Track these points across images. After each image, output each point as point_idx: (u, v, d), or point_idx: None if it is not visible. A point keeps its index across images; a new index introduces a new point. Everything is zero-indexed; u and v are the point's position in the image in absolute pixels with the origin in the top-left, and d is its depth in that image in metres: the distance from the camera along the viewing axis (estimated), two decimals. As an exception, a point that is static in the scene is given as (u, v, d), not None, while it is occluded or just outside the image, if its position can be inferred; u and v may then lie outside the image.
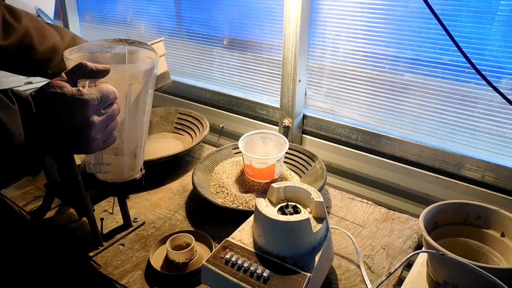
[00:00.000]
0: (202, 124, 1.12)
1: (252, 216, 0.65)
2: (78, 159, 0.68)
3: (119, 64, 0.66)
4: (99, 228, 0.76)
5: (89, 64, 0.51)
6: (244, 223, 0.67)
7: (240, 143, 0.91)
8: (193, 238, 0.71)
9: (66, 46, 0.82)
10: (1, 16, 0.76)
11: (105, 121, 0.52)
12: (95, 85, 0.52)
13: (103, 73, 0.52)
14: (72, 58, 0.60)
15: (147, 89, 0.63)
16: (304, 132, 1.12)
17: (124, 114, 0.61)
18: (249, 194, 0.87)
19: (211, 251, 0.73)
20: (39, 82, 1.33)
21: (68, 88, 0.48)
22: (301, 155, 0.98)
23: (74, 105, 0.48)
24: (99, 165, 0.63)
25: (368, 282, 0.66)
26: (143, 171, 0.73)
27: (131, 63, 0.66)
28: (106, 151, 0.63)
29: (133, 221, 0.82)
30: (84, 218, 0.75)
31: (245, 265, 0.57)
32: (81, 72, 0.51)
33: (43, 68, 0.83)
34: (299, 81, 1.04)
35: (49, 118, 0.47)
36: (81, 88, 0.49)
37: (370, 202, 0.90)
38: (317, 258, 0.58)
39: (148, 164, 0.93)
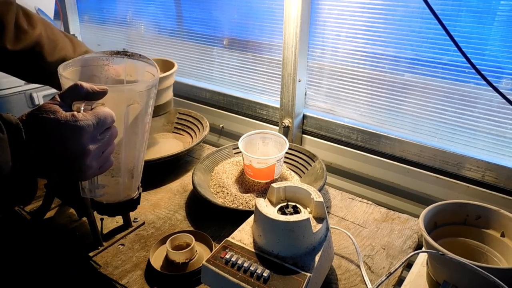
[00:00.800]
0: (202, 124, 1.12)
1: (252, 216, 0.65)
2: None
3: (117, 79, 0.63)
4: (99, 228, 0.76)
5: (85, 85, 0.47)
6: (244, 223, 0.67)
7: (240, 143, 0.91)
8: (193, 238, 0.71)
9: None
10: (13, 19, 0.73)
11: (101, 147, 0.49)
12: (91, 108, 0.48)
13: (100, 94, 0.48)
14: (65, 74, 0.56)
15: (146, 109, 0.59)
16: (304, 132, 1.12)
17: (121, 135, 0.57)
18: (249, 194, 0.87)
19: (211, 251, 0.73)
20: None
21: (62, 113, 0.44)
22: (301, 155, 0.98)
23: (68, 133, 0.44)
24: (95, 189, 0.59)
25: (368, 282, 0.66)
26: (140, 190, 0.71)
27: (130, 76, 0.63)
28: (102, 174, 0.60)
29: (133, 221, 0.82)
30: (84, 218, 0.75)
31: (245, 265, 0.57)
32: (76, 94, 0.47)
33: (51, 78, 0.80)
34: (299, 81, 1.04)
35: (40, 146, 0.44)
36: (75, 113, 0.45)
37: (370, 202, 0.90)
38: (317, 258, 0.58)
39: (148, 164, 0.93)
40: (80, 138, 0.45)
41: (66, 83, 0.50)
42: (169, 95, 1.02)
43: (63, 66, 0.57)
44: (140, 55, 0.62)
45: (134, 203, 0.70)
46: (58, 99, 0.46)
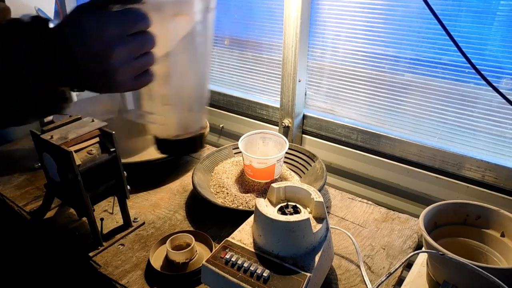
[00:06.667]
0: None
1: (252, 216, 0.65)
2: (79, 159, 0.68)
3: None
4: (99, 228, 0.76)
5: None
6: (244, 223, 0.67)
7: (240, 143, 0.91)
8: (193, 238, 0.71)
9: None
10: None
11: (131, 50, 0.42)
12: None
13: None
14: None
15: (203, 28, 0.51)
16: (304, 132, 1.12)
17: (167, 49, 0.49)
18: (249, 194, 0.87)
19: (211, 251, 0.73)
20: None
21: (90, 6, 0.41)
22: (301, 155, 0.98)
23: (89, 23, 0.40)
24: (140, 112, 0.52)
25: (368, 282, 0.66)
26: (204, 131, 0.59)
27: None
28: (147, 96, 0.52)
29: (133, 221, 0.82)
30: (84, 218, 0.75)
31: (245, 265, 0.57)
32: None
33: None
34: (299, 81, 1.04)
35: (71, 43, 0.40)
36: (109, 9, 0.41)
37: (370, 202, 0.90)
38: (317, 258, 0.58)
39: (148, 164, 0.93)
40: (103, 31, 0.40)
41: None
42: None
43: None
44: None
45: (194, 143, 0.57)
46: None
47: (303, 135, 1.12)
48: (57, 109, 0.43)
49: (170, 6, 0.46)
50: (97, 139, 0.73)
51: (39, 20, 0.40)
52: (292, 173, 0.96)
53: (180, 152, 0.60)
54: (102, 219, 0.81)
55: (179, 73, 0.51)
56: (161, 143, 0.56)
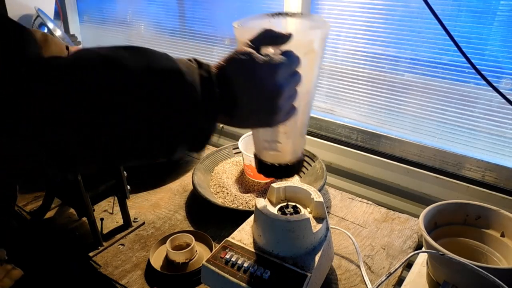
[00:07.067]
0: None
1: (252, 216, 0.65)
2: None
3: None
4: (99, 228, 0.76)
5: (275, 29, 0.47)
6: (244, 223, 0.67)
7: (240, 143, 0.91)
8: (193, 238, 0.71)
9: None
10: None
11: (290, 90, 0.47)
12: (280, 52, 0.47)
13: (285, 38, 0.48)
14: (244, 28, 0.54)
15: (320, 58, 0.56)
16: (304, 132, 1.12)
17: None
18: (249, 194, 0.87)
19: (211, 251, 0.73)
20: None
21: (257, 54, 0.45)
22: (301, 155, 0.98)
23: (265, 71, 0.44)
24: (275, 143, 0.55)
25: (368, 282, 0.66)
26: (303, 156, 0.62)
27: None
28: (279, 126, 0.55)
29: (133, 221, 0.82)
30: (84, 218, 0.75)
31: (245, 265, 0.57)
32: (266, 38, 0.47)
33: None
34: (299, 81, 1.04)
35: (237, 86, 0.44)
36: (271, 55, 0.45)
37: (370, 202, 0.90)
38: (317, 258, 0.58)
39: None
40: (276, 76, 0.45)
41: (243, 34, 0.50)
42: None
43: (236, 23, 0.55)
44: (301, 13, 0.58)
45: (299, 166, 0.60)
46: (250, 43, 0.47)
47: (303, 135, 1.12)
48: (204, 140, 0.45)
49: (304, 44, 0.51)
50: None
51: (205, 64, 0.44)
52: (292, 173, 0.96)
53: (285, 176, 0.61)
54: (102, 219, 0.81)
55: (303, 103, 0.54)
56: (270, 169, 0.57)
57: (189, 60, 0.43)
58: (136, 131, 0.38)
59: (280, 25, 0.58)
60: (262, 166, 0.58)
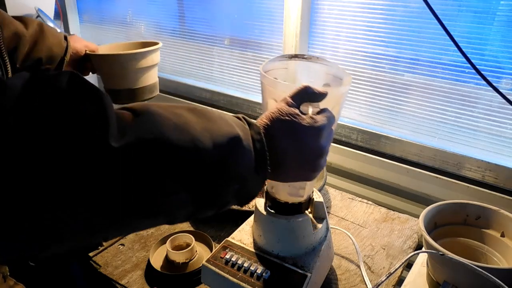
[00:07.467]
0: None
1: (252, 216, 0.65)
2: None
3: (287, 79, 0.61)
4: (99, 228, 0.76)
5: (313, 87, 0.49)
6: (244, 223, 0.67)
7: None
8: (193, 238, 0.71)
9: (31, 35, 0.75)
10: None
11: (328, 147, 0.50)
12: (318, 110, 0.50)
13: (322, 96, 0.49)
14: (276, 83, 0.54)
15: (340, 111, 0.58)
16: (304, 132, 1.12)
17: None
18: (249, 194, 0.87)
19: (211, 251, 0.73)
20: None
21: (302, 116, 0.46)
22: (301, 155, 0.98)
23: (312, 135, 0.46)
24: (302, 189, 0.58)
25: (368, 282, 0.66)
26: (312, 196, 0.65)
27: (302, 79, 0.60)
28: None
29: (133, 221, 0.81)
30: (84, 218, 0.75)
31: (245, 265, 0.57)
32: (305, 95, 0.49)
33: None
34: (299, 81, 1.04)
35: (284, 148, 0.45)
36: (313, 116, 0.47)
37: (370, 202, 0.90)
38: (317, 258, 0.58)
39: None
40: (321, 139, 0.47)
41: (271, 84, 0.51)
42: (154, 77, 0.93)
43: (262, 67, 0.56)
44: (317, 57, 0.60)
45: (307, 205, 0.63)
46: (291, 101, 0.47)
47: (303, 135, 1.12)
48: (250, 196, 0.45)
49: (332, 101, 0.52)
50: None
51: (254, 125, 0.44)
52: (292, 173, 0.96)
53: (296, 213, 0.63)
54: (102, 219, 0.81)
55: None
56: (283, 206, 0.60)
57: (238, 118, 0.44)
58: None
59: (314, 73, 0.60)
60: (275, 204, 0.60)
